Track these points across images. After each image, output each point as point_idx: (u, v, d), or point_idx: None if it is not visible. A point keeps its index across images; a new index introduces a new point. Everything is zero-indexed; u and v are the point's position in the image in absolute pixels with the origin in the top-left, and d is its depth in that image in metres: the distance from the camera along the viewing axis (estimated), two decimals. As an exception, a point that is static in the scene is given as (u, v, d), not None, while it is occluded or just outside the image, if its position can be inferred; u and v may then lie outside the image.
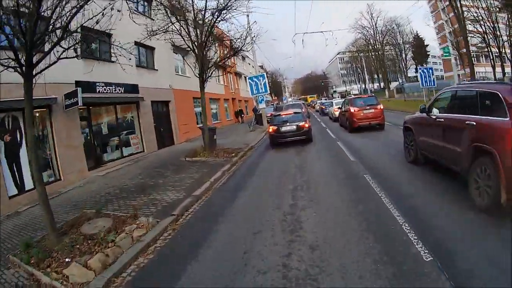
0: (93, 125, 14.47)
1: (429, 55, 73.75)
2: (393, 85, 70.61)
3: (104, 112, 15.54)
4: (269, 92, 25.36)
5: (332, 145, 13.73)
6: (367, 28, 66.00)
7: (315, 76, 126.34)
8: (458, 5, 37.17)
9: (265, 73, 25.20)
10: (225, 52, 14.51)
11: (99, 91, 14.09)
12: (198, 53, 13.41)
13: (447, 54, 28.45)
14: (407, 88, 49.60)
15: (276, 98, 74.97)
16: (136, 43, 15.42)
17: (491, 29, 38.99)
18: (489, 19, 38.48)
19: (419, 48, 69.61)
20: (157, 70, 19.98)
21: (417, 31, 71.03)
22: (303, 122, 14.16)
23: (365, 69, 62.63)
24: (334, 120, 24.67)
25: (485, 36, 40.29)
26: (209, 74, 14.34)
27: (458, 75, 65.31)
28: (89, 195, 9.62)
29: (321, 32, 24.67)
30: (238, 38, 15.50)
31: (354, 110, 16.17)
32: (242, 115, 36.16)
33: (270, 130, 14.61)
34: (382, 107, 16.34)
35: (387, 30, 65.61)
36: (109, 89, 14.74)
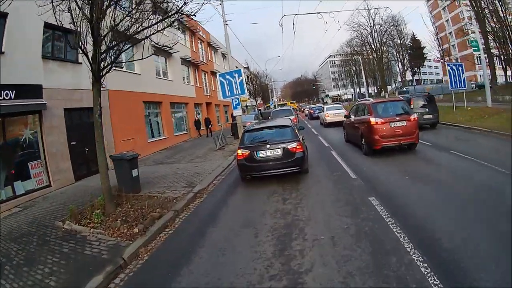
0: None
1: (425, 57, 70.03)
2: (388, 89, 66.33)
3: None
4: (246, 93, 18.74)
5: (347, 183, 8.18)
6: (364, 26, 60.40)
7: (305, 80, 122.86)
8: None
9: (241, 69, 18.78)
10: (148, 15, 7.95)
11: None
12: (89, 13, 6.82)
13: (477, 48, 22.83)
14: (412, 91, 44.27)
15: (262, 103, 67.91)
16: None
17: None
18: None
19: (416, 50, 65.77)
20: (80, 63, 13.19)
21: (413, 32, 67.25)
22: (294, 143, 8.59)
23: (362, 71, 56.49)
24: (325, 126, 24.25)
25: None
26: (112, 56, 7.98)
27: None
28: None
29: (319, 13, 17.04)
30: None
31: (377, 123, 10.34)
32: (210, 126, 26.93)
33: (240, 154, 8.78)
34: (416, 118, 10.58)
35: (386, 28, 60.34)
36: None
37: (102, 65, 7.73)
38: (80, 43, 6.99)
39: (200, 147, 18.61)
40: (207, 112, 31.60)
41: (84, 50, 7.19)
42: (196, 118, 26.94)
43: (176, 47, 23.47)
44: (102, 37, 7.30)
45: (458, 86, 21.04)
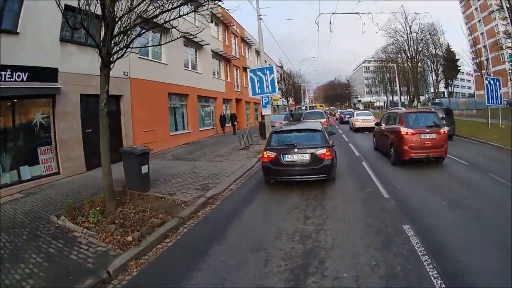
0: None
1: (459, 70, 68.58)
2: (420, 99, 64.15)
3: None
4: (277, 92, 17.55)
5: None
6: (401, 33, 57.98)
7: (339, 83, 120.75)
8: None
9: (273, 66, 17.64)
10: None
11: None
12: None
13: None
14: (445, 104, 42.22)
15: (293, 103, 66.27)
16: None
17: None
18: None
19: (450, 62, 63.18)
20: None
21: (448, 43, 64.35)
22: (324, 149, 7.99)
23: (396, 79, 53.96)
24: (354, 130, 25.31)
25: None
26: (126, 40, 7.07)
27: None
28: None
29: (357, 13, 15.59)
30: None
31: (408, 133, 10.29)
32: (235, 123, 25.44)
33: (265, 156, 8.27)
34: (446, 131, 10.60)
35: (422, 37, 57.83)
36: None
37: (114, 49, 6.76)
38: (85, 23, 5.99)
39: (225, 144, 17.71)
40: (236, 109, 30.63)
41: (90, 31, 6.22)
42: (222, 114, 25.67)
43: (208, 39, 22.63)
44: (115, 19, 6.39)
45: (495, 102, 19.62)
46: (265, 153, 8.29)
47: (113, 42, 6.65)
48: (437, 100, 52.77)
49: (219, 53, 25.82)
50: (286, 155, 8.03)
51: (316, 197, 7.35)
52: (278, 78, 48.04)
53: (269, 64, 50.81)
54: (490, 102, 19.76)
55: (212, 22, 25.82)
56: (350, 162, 11.58)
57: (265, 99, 17.37)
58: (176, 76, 18.83)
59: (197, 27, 21.98)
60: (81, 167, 11.80)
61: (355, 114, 27.54)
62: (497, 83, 19.89)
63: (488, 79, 20.50)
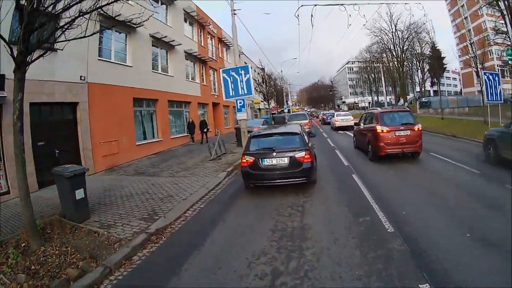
0: None
1: (445, 68, 67.30)
2: (407, 98, 62.75)
3: None
4: (253, 93, 16.10)
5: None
6: (386, 31, 57.15)
7: (322, 85, 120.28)
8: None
9: (249, 66, 16.16)
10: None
11: None
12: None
13: (512, 57, 20.57)
14: (435, 102, 41.50)
15: (276, 106, 64.51)
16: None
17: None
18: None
19: (436, 59, 62.69)
20: (56, 50, 10.66)
21: (433, 41, 64.08)
22: (303, 152, 8.02)
23: (382, 78, 53.05)
24: (334, 129, 28.40)
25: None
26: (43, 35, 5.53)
27: (480, 90, 58.08)
28: None
29: (342, 5, 14.08)
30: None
31: (382, 131, 11.25)
32: (206, 130, 22.08)
33: (244, 161, 8.30)
34: (420, 128, 11.40)
35: (407, 35, 57.17)
36: None
37: (23, 47, 5.19)
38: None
39: (196, 154, 16.05)
40: (214, 114, 28.87)
41: None
42: (191, 120, 22.45)
43: (180, 39, 21.02)
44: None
45: (494, 99, 18.52)
46: (243, 157, 8.27)
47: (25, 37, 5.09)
48: (424, 99, 52.23)
49: (193, 54, 24.07)
50: (265, 159, 8.03)
51: (293, 235, 5.57)
52: (258, 80, 46.45)
53: (250, 67, 49.51)
54: (490, 99, 18.73)
55: (186, 21, 24.20)
56: (329, 158, 13.18)
57: (240, 102, 15.88)
58: (143, 79, 17.16)
59: (170, 27, 20.39)
60: (33, 185, 10.05)
61: (335, 115, 31.17)
62: (496, 78, 18.87)
63: (487, 74, 19.44)
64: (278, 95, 63.01)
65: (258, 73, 49.67)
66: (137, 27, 16.83)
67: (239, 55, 40.46)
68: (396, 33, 56.98)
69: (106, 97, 14.13)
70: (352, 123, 18.92)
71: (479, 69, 28.15)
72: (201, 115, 26.46)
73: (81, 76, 12.89)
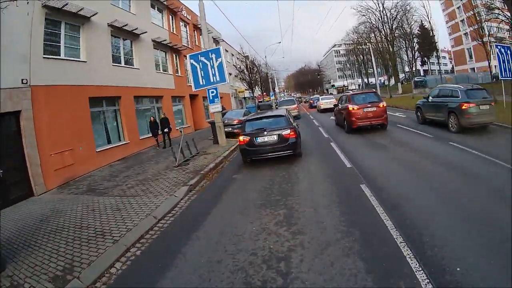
0: None
1: (436, 47, 65.50)
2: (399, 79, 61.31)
3: None
4: (227, 80, 14.13)
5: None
6: (373, 10, 54.84)
7: (309, 70, 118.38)
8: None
9: (220, 47, 14.20)
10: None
11: None
12: None
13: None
14: (431, 81, 39.66)
15: (262, 94, 61.83)
16: None
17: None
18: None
19: (425, 38, 61.19)
20: None
21: (422, 20, 62.48)
22: (288, 130, 10.03)
23: (372, 59, 50.64)
24: (320, 111, 31.95)
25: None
26: None
27: (473, 68, 56.54)
28: None
29: None
30: None
31: (353, 109, 14.26)
32: (167, 130, 17.30)
33: (241, 140, 10.33)
34: (385, 105, 14.43)
35: (395, 15, 55.04)
36: None
37: None
38: None
39: (163, 158, 13.86)
40: (192, 107, 26.47)
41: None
42: (152, 119, 17.58)
43: (146, 27, 18.78)
44: None
45: (508, 75, 16.95)
46: (241, 137, 10.25)
47: None
48: (416, 78, 50.28)
49: (163, 43, 21.66)
50: (258, 137, 9.96)
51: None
52: (240, 67, 43.87)
53: (232, 54, 46.64)
54: (504, 75, 17.31)
55: (154, 8, 21.88)
56: (313, 132, 17.08)
57: (213, 92, 13.93)
58: (101, 75, 14.94)
59: (133, 14, 18.11)
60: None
61: (320, 99, 36.46)
62: (508, 51, 17.16)
63: (499, 47, 17.63)
64: (264, 82, 60.59)
65: (242, 61, 46.96)
66: (92, 16, 14.76)
67: (218, 40, 38.08)
68: (384, 12, 54.95)
69: (55, 100, 11.98)
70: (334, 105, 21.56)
71: (491, 42, 26.49)
72: (178, 109, 24.32)
73: (22, 80, 10.70)
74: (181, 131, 13.14)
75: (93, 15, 14.43)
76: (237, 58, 44.55)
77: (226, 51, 42.95)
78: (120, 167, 13.26)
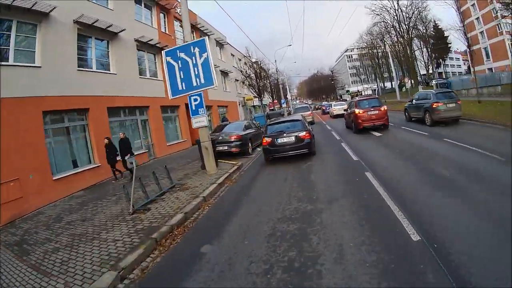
0: None
1: (450, 48, 64.76)
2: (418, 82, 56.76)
3: None
4: (215, 84, 10.45)
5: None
6: (387, 8, 51.70)
7: (322, 76, 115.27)
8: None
9: (205, 38, 10.89)
10: None
11: None
12: None
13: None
14: (456, 84, 35.81)
15: (273, 102, 57.60)
16: None
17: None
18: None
19: (439, 40, 59.88)
20: None
21: (435, 21, 59.46)
22: (304, 132, 11.57)
23: (390, 61, 46.88)
24: (333, 117, 33.52)
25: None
26: None
27: (490, 68, 52.23)
28: None
29: None
30: None
31: (359, 112, 16.33)
32: (128, 157, 11.47)
33: (265, 141, 11.86)
34: (386, 108, 16.51)
35: (412, 11, 51.90)
36: None
37: None
38: None
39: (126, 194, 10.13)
40: (188, 119, 22.90)
41: None
42: (108, 141, 12.28)
43: (127, 25, 15.74)
44: None
45: None
46: (264, 139, 11.85)
47: None
48: (434, 81, 46.63)
49: (150, 43, 18.40)
50: (279, 139, 11.50)
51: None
52: (247, 72, 39.62)
53: (239, 59, 42.49)
54: None
55: (140, 3, 18.87)
56: (325, 135, 18.77)
57: (195, 99, 10.60)
58: (62, 83, 11.98)
59: (110, 10, 14.97)
60: None
61: (332, 105, 38.37)
62: None
63: None
64: (275, 89, 56.90)
65: (250, 66, 42.43)
66: (50, 12, 11.77)
67: (222, 44, 34.73)
68: (399, 10, 51.68)
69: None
70: None
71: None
72: (171, 121, 21.15)
73: None
74: (133, 164, 8.58)
75: (51, 10, 11.49)
76: (245, 63, 40.40)
77: (232, 55, 39.77)
78: (77, 202, 10.03)
